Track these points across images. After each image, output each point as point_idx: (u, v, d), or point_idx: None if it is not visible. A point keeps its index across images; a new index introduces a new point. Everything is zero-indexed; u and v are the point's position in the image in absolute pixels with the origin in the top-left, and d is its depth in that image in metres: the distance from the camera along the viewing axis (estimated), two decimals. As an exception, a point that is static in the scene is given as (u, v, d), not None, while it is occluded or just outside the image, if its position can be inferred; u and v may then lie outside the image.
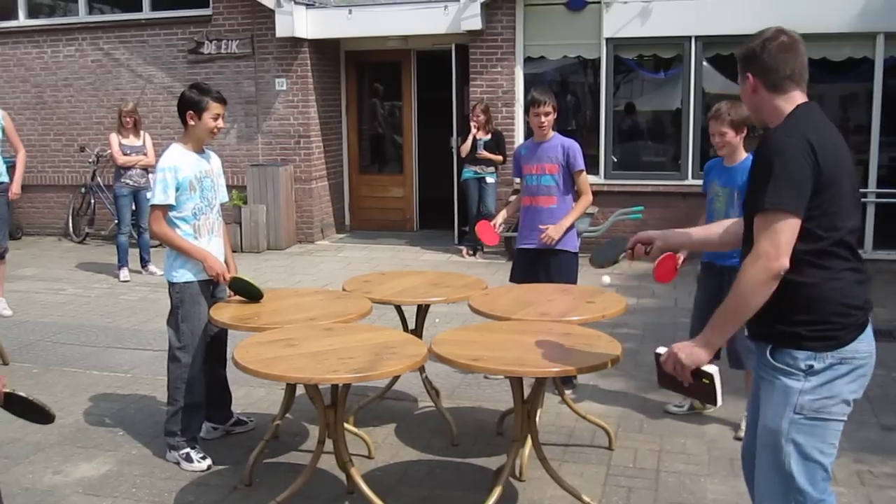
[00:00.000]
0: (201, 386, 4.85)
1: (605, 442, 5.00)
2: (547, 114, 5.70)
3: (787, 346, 2.74)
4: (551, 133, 5.82)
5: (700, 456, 4.85)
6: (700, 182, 5.73)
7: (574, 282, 5.77)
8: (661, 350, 2.95)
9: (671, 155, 11.11)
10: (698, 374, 2.82)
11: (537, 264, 5.78)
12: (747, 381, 5.12)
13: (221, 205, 5.06)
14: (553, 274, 5.71)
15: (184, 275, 4.79)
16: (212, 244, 4.88)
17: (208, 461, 4.74)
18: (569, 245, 5.79)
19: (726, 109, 5.03)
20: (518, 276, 5.89)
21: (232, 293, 4.91)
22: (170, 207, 4.74)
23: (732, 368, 5.16)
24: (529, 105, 5.84)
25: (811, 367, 2.72)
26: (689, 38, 10.49)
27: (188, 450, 4.77)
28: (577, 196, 5.83)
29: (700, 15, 10.37)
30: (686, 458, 4.82)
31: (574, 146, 5.79)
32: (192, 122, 4.80)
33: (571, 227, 5.77)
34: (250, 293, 4.85)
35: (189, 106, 4.77)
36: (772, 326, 2.77)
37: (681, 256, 5.37)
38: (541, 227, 5.70)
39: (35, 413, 3.06)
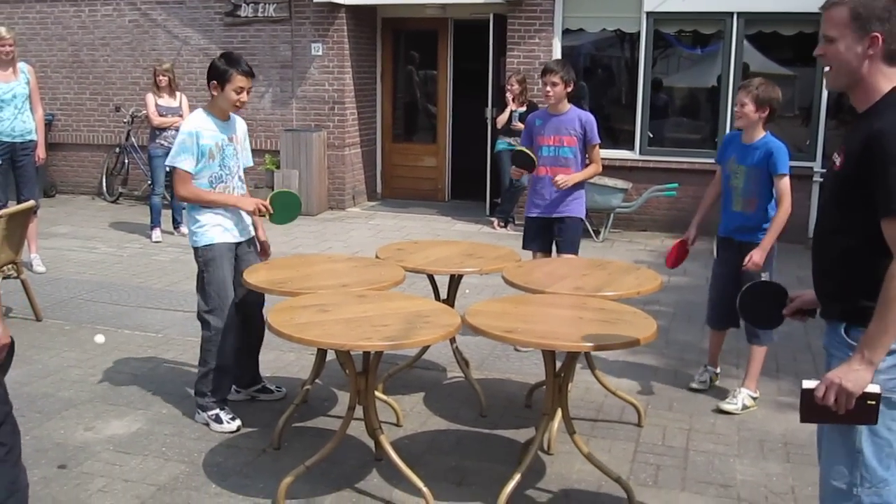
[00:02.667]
0: (232, 348, 4.87)
1: (634, 418, 4.98)
2: (553, 84, 5.83)
3: (863, 325, 2.61)
4: (567, 105, 5.98)
5: (730, 436, 4.82)
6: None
7: (578, 246, 6.07)
8: (811, 384, 2.62)
9: (707, 132, 10.97)
10: (862, 397, 2.57)
11: (549, 230, 6.04)
12: (755, 355, 5.19)
13: (247, 169, 5.07)
14: (562, 237, 6.01)
15: (206, 238, 4.80)
16: (231, 212, 4.87)
17: (238, 422, 4.76)
18: (577, 211, 6.04)
19: (757, 83, 5.03)
20: (531, 243, 6.12)
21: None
22: (189, 174, 4.74)
23: (749, 343, 5.22)
24: (542, 74, 6.01)
25: None
26: (732, 14, 10.31)
27: (218, 411, 4.80)
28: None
29: (743, -9, 10.20)
30: (715, 438, 4.79)
31: (591, 119, 5.97)
32: (215, 93, 4.78)
33: (580, 189, 6.03)
34: (291, 207, 4.94)
35: (214, 75, 4.75)
36: (848, 304, 2.69)
37: (690, 238, 5.42)
38: (555, 181, 5.89)
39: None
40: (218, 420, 4.77)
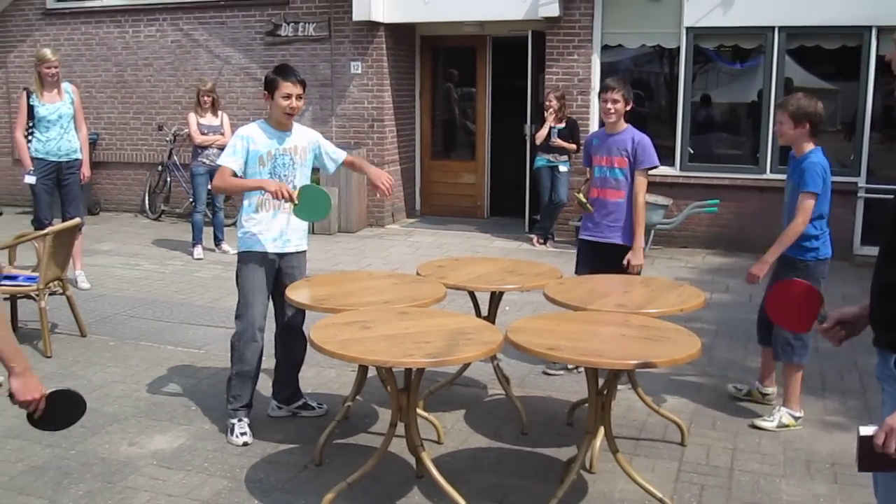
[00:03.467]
0: (253, 356, 4.90)
1: (678, 437, 4.92)
2: (615, 101, 5.58)
3: None
4: (623, 125, 5.69)
5: (775, 456, 4.74)
6: (779, 176, 5.66)
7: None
8: (869, 430, 2.37)
9: (749, 148, 10.88)
10: None
11: (601, 255, 5.74)
12: (786, 373, 5.14)
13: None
14: (615, 266, 5.65)
15: (245, 244, 4.91)
16: (277, 219, 4.91)
17: (246, 438, 4.80)
18: (626, 239, 5.70)
19: (793, 100, 5.01)
20: (584, 268, 5.81)
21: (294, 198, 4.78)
22: (234, 174, 4.82)
23: (776, 360, 5.20)
24: (600, 91, 5.81)
25: None
26: (773, 28, 10.23)
27: (234, 420, 4.86)
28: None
29: (784, 5, 10.11)
30: (760, 458, 4.72)
31: (645, 141, 5.64)
32: (267, 103, 4.91)
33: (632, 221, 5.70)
34: (319, 204, 4.80)
35: (265, 86, 4.88)
36: None
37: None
38: (626, 263, 5.63)
39: (66, 410, 2.96)
40: (231, 430, 4.84)
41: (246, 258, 4.90)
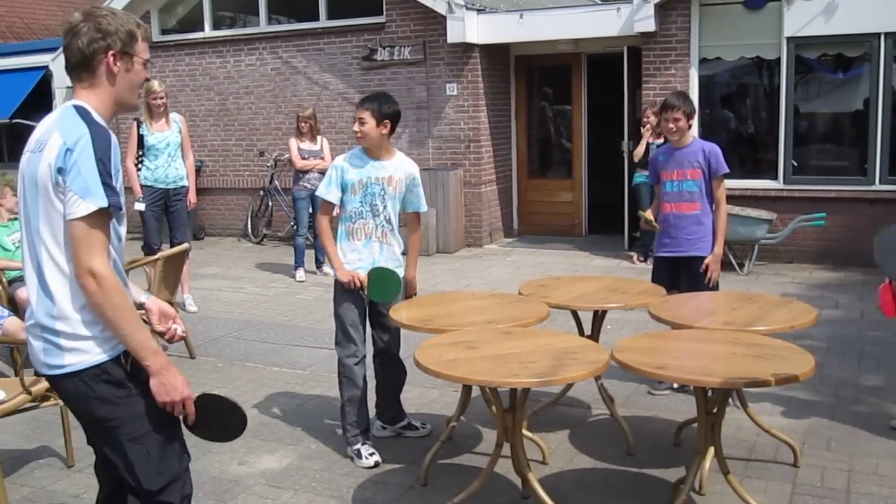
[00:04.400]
0: (359, 380, 4.95)
1: (790, 458, 4.77)
2: (677, 119, 5.62)
3: None
4: (690, 137, 5.77)
5: (894, 478, 4.56)
6: (889, 187, 5.42)
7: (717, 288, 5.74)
8: None
9: (856, 159, 10.55)
10: None
11: (678, 271, 5.74)
12: None
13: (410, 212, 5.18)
14: (695, 278, 5.64)
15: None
16: (368, 248, 4.96)
17: (375, 458, 4.81)
18: (706, 250, 5.70)
19: None
20: (665, 286, 5.59)
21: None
22: (332, 205, 4.95)
23: None
24: (661, 109, 5.86)
25: None
26: (879, 35, 9.92)
27: (359, 445, 4.89)
28: (713, 203, 5.73)
29: (889, 10, 9.79)
30: (879, 480, 4.54)
31: (715, 150, 5.69)
32: None
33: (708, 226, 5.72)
34: (388, 284, 4.85)
35: None
36: None
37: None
38: (703, 269, 5.63)
39: (222, 419, 2.96)
40: (358, 455, 4.85)
41: (339, 285, 4.96)
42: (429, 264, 10.87)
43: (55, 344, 2.70)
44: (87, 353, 2.70)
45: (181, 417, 2.85)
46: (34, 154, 2.69)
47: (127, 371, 2.77)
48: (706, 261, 5.62)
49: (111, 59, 2.73)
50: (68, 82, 13.04)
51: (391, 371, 5.19)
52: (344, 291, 4.94)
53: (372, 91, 11.85)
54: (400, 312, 4.71)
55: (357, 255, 4.95)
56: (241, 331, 7.87)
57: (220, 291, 9.62)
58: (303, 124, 10.08)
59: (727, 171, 5.72)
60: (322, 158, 10.05)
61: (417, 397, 5.82)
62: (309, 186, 10.01)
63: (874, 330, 7.21)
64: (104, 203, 2.59)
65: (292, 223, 10.92)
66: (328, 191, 4.93)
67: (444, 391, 5.90)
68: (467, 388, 4.64)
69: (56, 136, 2.63)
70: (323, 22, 12.85)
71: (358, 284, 4.84)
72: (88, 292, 2.61)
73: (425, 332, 4.44)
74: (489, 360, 3.79)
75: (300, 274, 10.22)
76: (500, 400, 4.02)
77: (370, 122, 4.84)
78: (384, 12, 12.35)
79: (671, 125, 5.65)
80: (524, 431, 4.72)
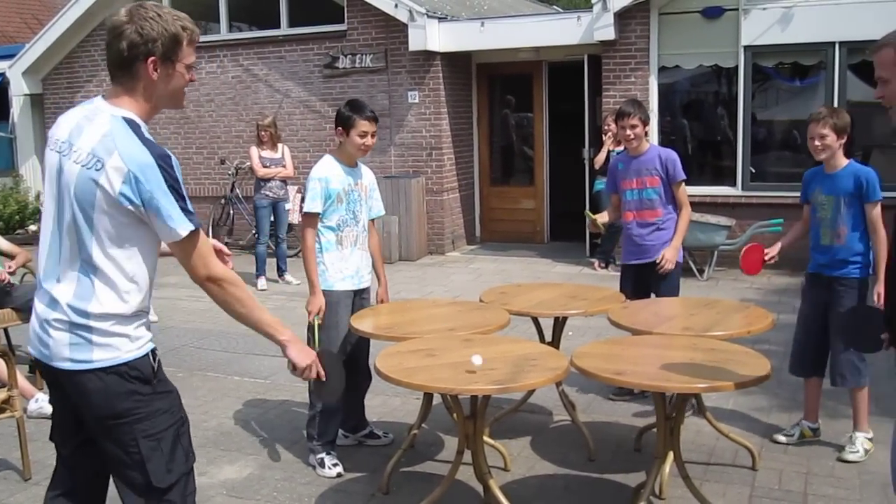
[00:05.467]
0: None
1: (748, 462, 4.83)
2: (633, 126, 5.60)
3: None
4: (646, 145, 5.75)
5: (850, 480, 4.63)
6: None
7: (678, 291, 5.75)
8: None
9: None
10: None
11: (645, 277, 5.73)
12: (855, 397, 4.96)
13: (377, 218, 5.15)
14: (660, 285, 5.66)
15: (322, 281, 4.88)
16: (354, 256, 4.96)
17: (339, 469, 4.80)
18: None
19: (828, 112, 4.92)
20: (629, 293, 5.66)
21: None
22: (317, 216, 4.85)
23: (834, 386, 5.00)
24: (616, 118, 5.84)
25: None
26: (833, 43, 10.10)
27: (323, 455, 4.86)
28: (677, 208, 5.75)
29: (844, 19, 9.96)
30: (835, 482, 4.61)
31: (672, 156, 5.68)
32: (341, 139, 4.92)
33: (670, 231, 5.71)
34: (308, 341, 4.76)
35: (339, 122, 4.90)
36: None
37: (769, 251, 5.23)
38: (658, 258, 5.63)
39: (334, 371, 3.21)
40: (322, 464, 4.83)
41: (329, 297, 4.87)
42: (391, 272, 10.82)
43: (86, 339, 2.71)
44: (118, 350, 2.73)
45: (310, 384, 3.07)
46: (86, 169, 2.65)
47: (154, 369, 2.82)
48: (662, 251, 5.60)
49: (151, 65, 2.69)
50: (26, 89, 12.88)
51: (357, 379, 5.16)
52: (337, 301, 4.87)
53: (333, 99, 11.92)
54: (361, 321, 4.71)
55: (344, 264, 4.92)
56: (202, 340, 7.81)
57: (180, 301, 9.54)
58: (263, 133, 10.04)
59: (684, 177, 5.71)
60: (283, 166, 10.03)
61: (380, 405, 5.81)
62: (270, 195, 9.99)
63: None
64: (191, 227, 2.70)
65: (254, 232, 10.87)
66: (315, 203, 4.83)
67: (406, 399, 5.90)
68: (429, 396, 4.64)
69: (116, 159, 2.62)
70: (284, 29, 12.82)
71: (310, 319, 4.78)
72: (214, 296, 2.84)
73: (386, 340, 4.44)
74: (449, 368, 3.80)
75: (262, 283, 10.17)
76: (461, 407, 4.04)
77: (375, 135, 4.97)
78: (346, 20, 12.35)
79: (628, 132, 5.63)
80: (486, 438, 4.73)
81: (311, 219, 4.86)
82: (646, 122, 5.68)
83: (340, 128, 4.89)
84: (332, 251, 4.91)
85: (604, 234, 5.81)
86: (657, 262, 5.61)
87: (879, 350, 3.06)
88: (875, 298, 4.71)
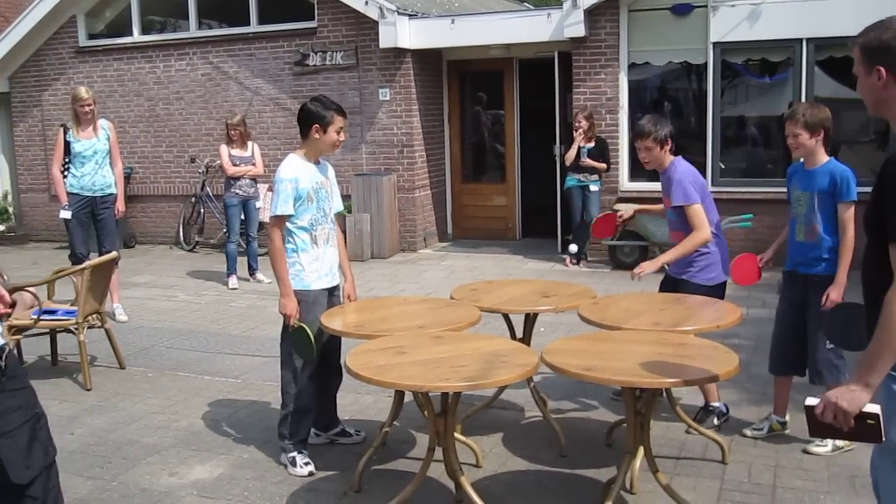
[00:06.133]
0: (311, 391, 4.90)
1: (718, 456, 4.86)
2: (647, 149, 5.25)
3: None
4: (667, 163, 5.33)
5: (819, 472, 4.68)
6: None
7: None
8: (813, 401, 2.72)
9: (780, 161, 10.78)
10: (861, 416, 2.64)
11: (678, 290, 5.35)
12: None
13: (336, 214, 5.11)
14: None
15: (299, 282, 4.85)
16: (327, 253, 4.94)
17: (310, 468, 4.78)
18: (698, 278, 5.25)
19: (802, 111, 4.87)
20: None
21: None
22: (289, 218, 4.81)
23: (812, 384, 5.01)
24: (634, 136, 5.46)
25: None
26: (801, 40, 10.19)
27: (294, 454, 4.84)
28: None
29: (812, 16, 10.06)
30: (804, 474, 4.65)
31: (672, 178, 5.23)
32: (316, 136, 4.83)
33: (700, 254, 5.24)
34: (303, 346, 4.74)
35: (315, 119, 4.81)
36: None
37: (762, 258, 5.28)
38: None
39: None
40: (293, 463, 4.82)
41: (302, 296, 4.83)
42: (363, 270, 10.84)
43: None
44: None
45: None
46: None
47: (2, 368, 2.78)
48: (641, 264, 5.17)
49: None
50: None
51: (329, 377, 5.14)
52: (311, 301, 4.84)
53: (304, 96, 11.86)
54: (332, 318, 4.69)
55: (320, 263, 4.89)
56: (172, 340, 7.75)
57: (151, 300, 9.47)
58: (232, 132, 9.98)
59: (681, 201, 5.18)
60: (253, 164, 9.98)
61: (351, 403, 5.80)
62: (241, 193, 9.93)
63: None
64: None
65: (224, 230, 10.81)
66: (287, 206, 4.76)
67: (378, 397, 5.88)
68: (400, 394, 4.63)
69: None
70: (254, 27, 12.75)
71: (292, 323, 4.75)
72: None
73: (357, 338, 4.43)
74: (419, 365, 3.80)
75: (233, 281, 10.11)
76: (432, 404, 4.03)
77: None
78: (316, 17, 12.29)
79: (643, 155, 5.30)
80: (457, 435, 4.74)
81: (280, 220, 4.82)
82: (663, 143, 5.24)
83: (317, 125, 4.81)
84: (308, 251, 4.87)
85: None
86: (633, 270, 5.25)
87: (864, 349, 3.10)
88: (823, 300, 4.75)
